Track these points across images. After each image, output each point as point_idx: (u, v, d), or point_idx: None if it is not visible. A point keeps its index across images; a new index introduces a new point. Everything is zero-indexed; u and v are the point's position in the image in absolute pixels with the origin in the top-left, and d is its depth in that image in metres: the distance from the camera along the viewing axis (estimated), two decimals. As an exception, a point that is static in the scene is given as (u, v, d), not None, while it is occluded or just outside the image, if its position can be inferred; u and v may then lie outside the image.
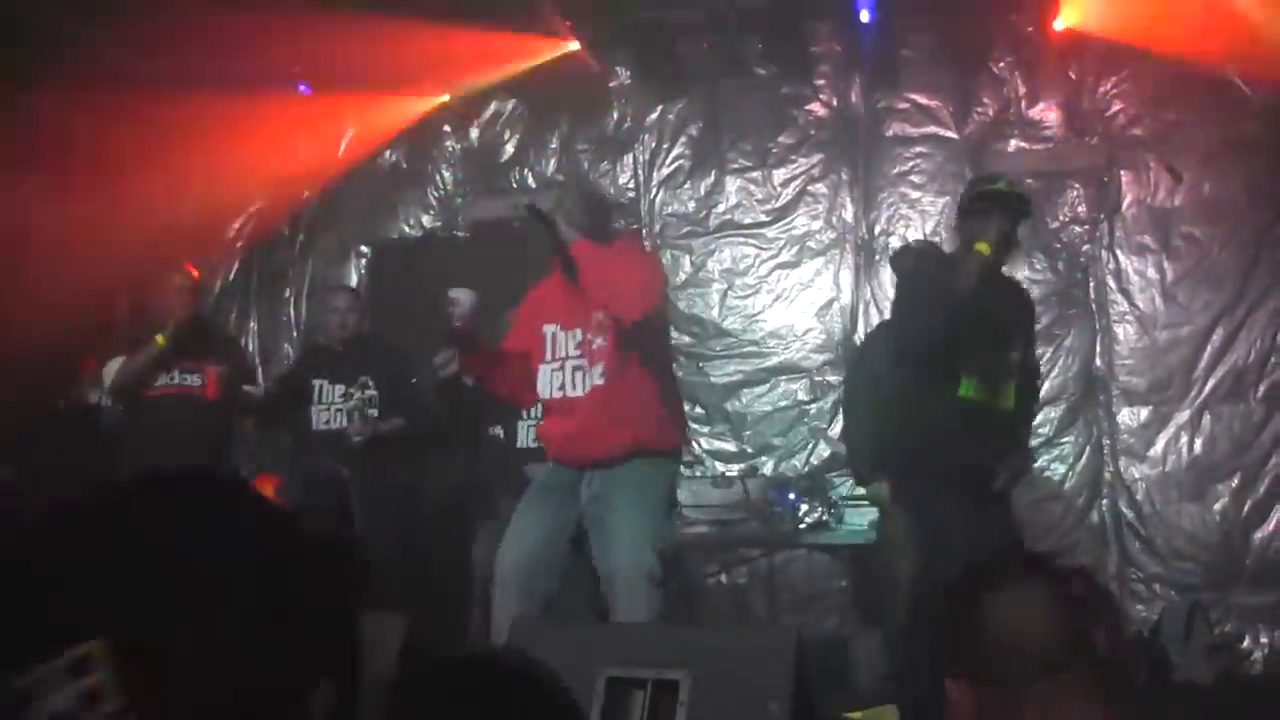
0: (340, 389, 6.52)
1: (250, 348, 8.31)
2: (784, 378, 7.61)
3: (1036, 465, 6.89)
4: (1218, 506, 6.86)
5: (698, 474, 7.21)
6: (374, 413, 6.42)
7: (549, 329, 4.78)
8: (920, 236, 7.34)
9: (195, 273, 6.51)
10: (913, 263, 5.41)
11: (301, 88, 7.93)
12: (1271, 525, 6.81)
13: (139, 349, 6.25)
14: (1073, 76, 7.34)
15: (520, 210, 4.78)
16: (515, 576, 4.60)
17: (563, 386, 4.72)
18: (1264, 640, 6.61)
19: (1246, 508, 6.82)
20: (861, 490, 6.17)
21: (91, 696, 0.94)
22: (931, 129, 7.54)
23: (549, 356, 4.76)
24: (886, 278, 7.41)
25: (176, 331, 6.20)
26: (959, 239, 4.86)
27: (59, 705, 0.93)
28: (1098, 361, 7.09)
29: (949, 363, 4.75)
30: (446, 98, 8.05)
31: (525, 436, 6.20)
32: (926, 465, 4.80)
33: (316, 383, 6.59)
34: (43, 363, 6.97)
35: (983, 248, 4.55)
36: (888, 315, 7.27)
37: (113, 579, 1.00)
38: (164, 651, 0.96)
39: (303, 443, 6.57)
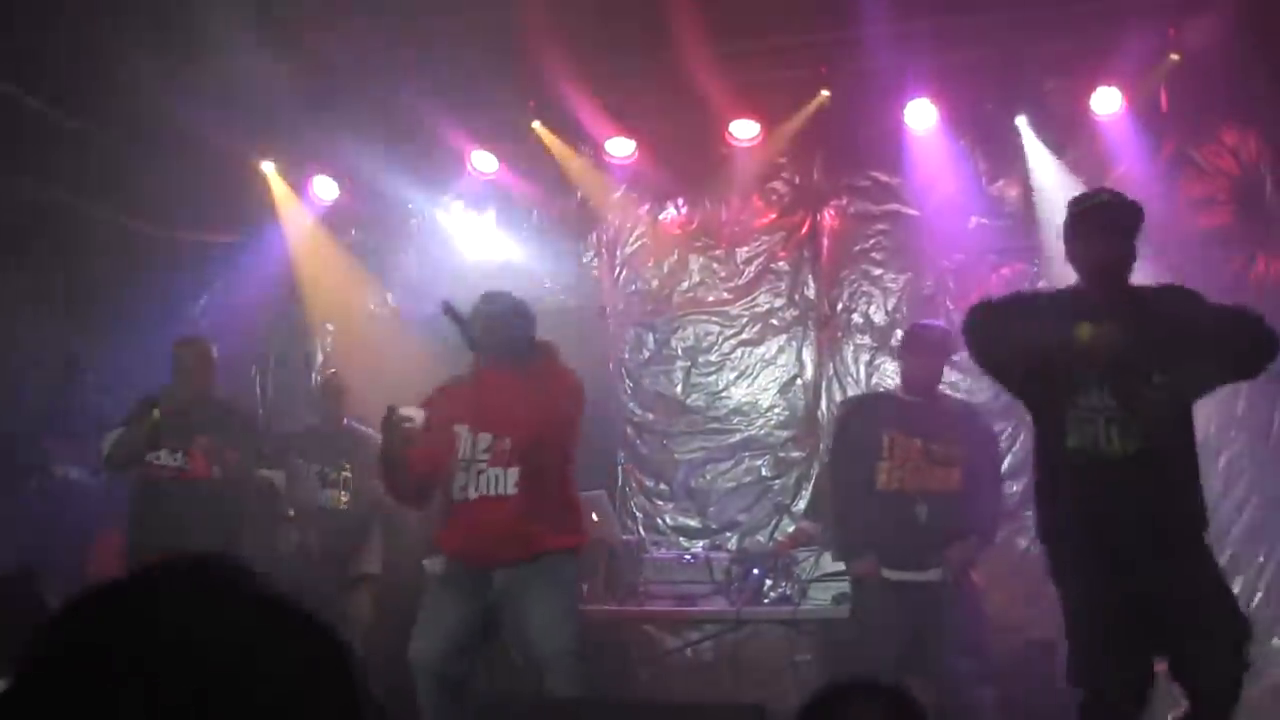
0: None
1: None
2: (748, 454, 7.64)
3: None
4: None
5: (662, 550, 7.19)
6: None
7: (459, 429, 4.81)
8: (883, 313, 7.39)
9: (203, 346, 6.28)
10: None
11: (268, 165, 7.96)
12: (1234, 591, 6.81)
13: (137, 421, 6.04)
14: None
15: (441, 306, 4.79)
16: (430, 664, 4.72)
17: (465, 488, 4.76)
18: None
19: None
20: (830, 567, 6.13)
21: None
22: (893, 206, 7.62)
23: (457, 456, 4.79)
24: (849, 354, 7.47)
25: (173, 404, 6.03)
26: (1070, 258, 4.33)
27: None
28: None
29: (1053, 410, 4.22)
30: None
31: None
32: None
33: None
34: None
35: (1082, 333, 4.06)
36: (851, 392, 7.35)
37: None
38: None
39: None
